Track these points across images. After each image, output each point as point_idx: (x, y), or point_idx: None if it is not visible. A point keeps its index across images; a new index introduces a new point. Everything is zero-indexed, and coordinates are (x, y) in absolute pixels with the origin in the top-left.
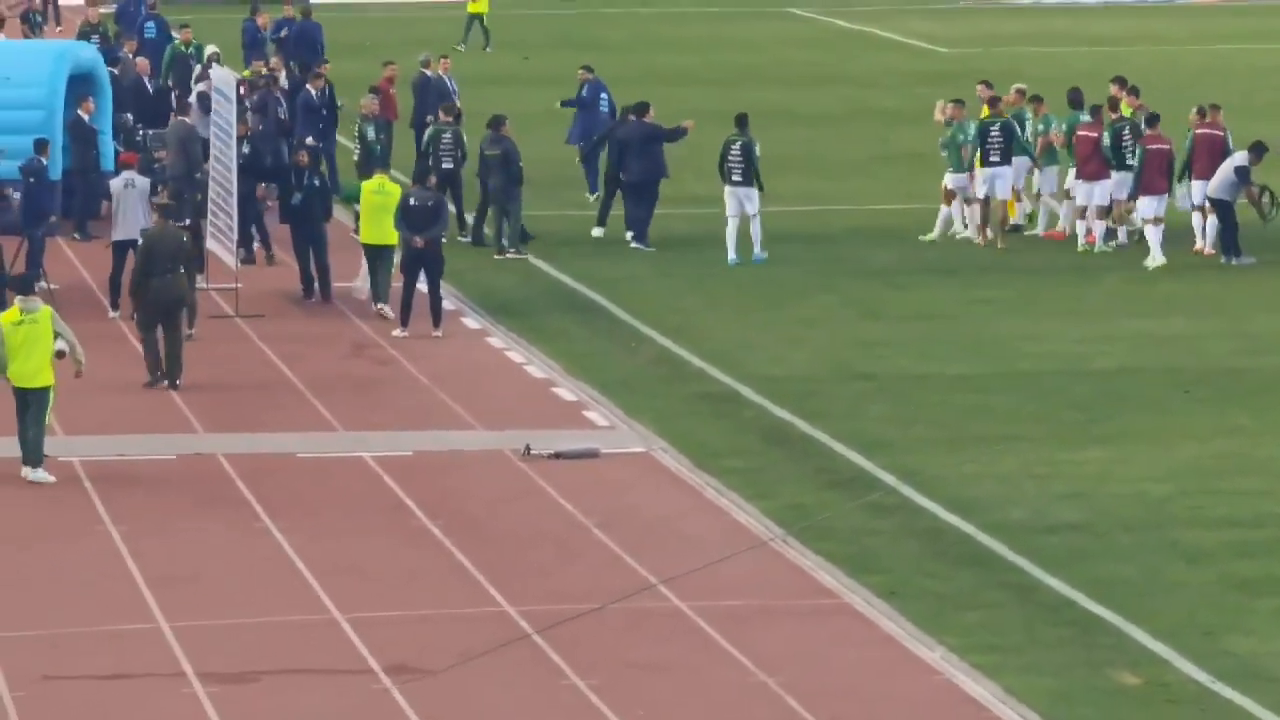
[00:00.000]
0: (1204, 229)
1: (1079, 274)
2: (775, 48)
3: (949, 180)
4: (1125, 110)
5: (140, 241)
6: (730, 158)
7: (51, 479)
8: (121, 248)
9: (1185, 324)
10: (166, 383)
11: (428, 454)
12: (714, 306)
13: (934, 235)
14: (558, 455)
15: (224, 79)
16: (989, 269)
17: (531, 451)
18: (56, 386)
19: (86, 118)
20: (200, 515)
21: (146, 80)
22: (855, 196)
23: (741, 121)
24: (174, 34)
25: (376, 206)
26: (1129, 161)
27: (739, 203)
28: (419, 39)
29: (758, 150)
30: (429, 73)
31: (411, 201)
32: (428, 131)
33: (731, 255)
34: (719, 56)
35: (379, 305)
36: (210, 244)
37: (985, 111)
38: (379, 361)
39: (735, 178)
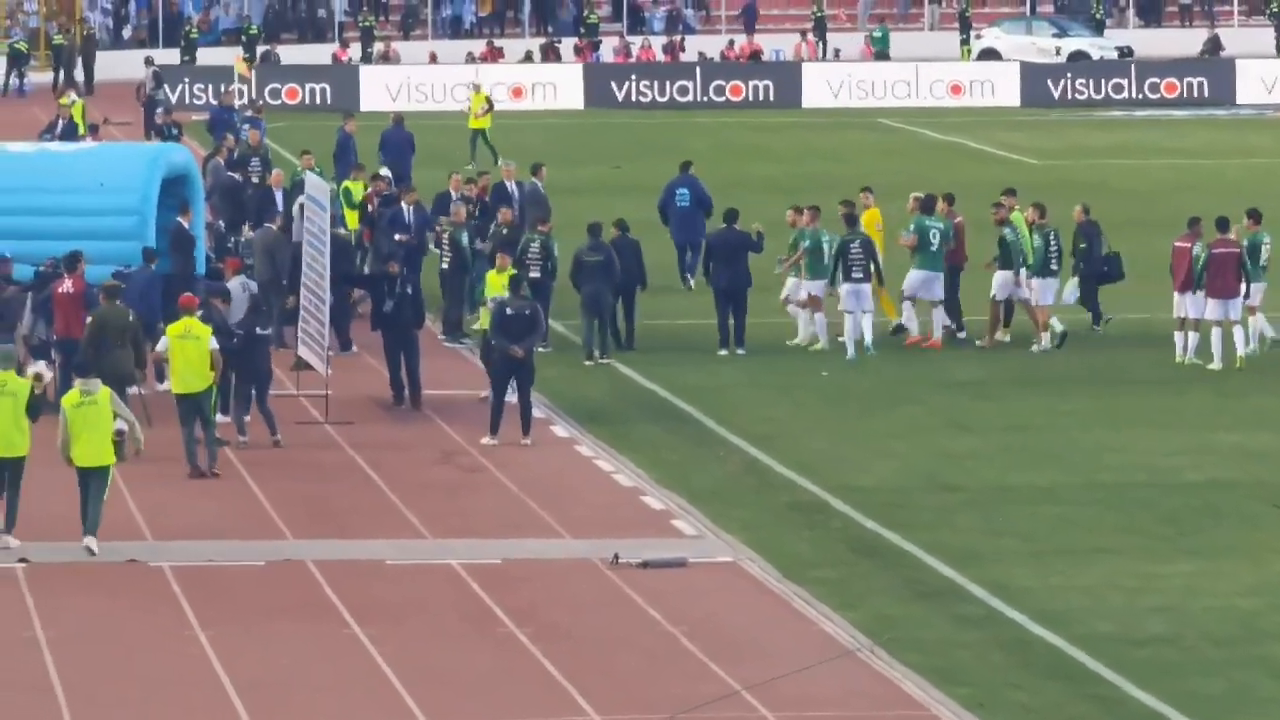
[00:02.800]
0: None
1: (1168, 386)
2: (864, 158)
3: (813, 288)
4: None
5: (89, 319)
6: (851, 255)
7: (95, 549)
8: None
9: (1276, 438)
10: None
11: (516, 562)
12: (802, 416)
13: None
14: (645, 564)
15: (317, 186)
16: (1076, 380)
17: (619, 560)
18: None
19: (186, 225)
20: (289, 621)
21: (278, 192)
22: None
23: (853, 220)
24: (295, 159)
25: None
26: (1053, 267)
27: (857, 300)
28: (505, 148)
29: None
30: (535, 181)
31: (508, 311)
32: (519, 241)
33: (850, 353)
34: (807, 167)
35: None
36: (301, 350)
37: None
38: (468, 469)
39: (856, 275)
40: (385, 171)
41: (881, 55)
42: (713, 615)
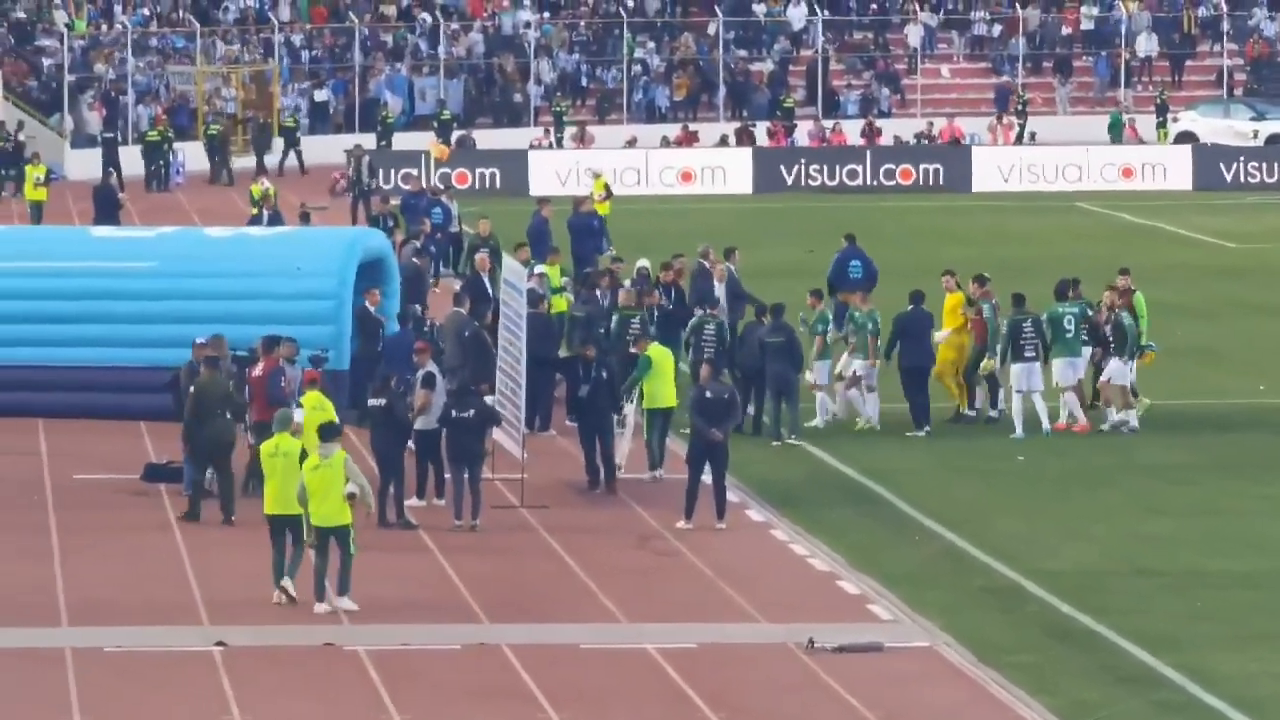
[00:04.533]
0: None
1: None
2: (1059, 241)
3: (857, 367)
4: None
5: (191, 389)
6: (1024, 334)
7: (355, 607)
8: (424, 437)
9: None
10: (223, 518)
11: (711, 646)
12: (996, 499)
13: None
14: (841, 649)
15: (514, 270)
16: (1274, 465)
17: (815, 644)
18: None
19: (373, 309)
20: (484, 706)
21: (485, 276)
22: (1140, 391)
23: (1020, 300)
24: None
25: (662, 373)
26: (1140, 341)
27: (1028, 378)
28: (697, 231)
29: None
30: (729, 265)
31: (707, 394)
32: (690, 322)
33: (1019, 431)
34: (1001, 250)
35: (655, 473)
36: (496, 434)
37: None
38: (663, 553)
39: (1029, 354)
40: (611, 254)
41: (1117, 139)
42: (909, 700)
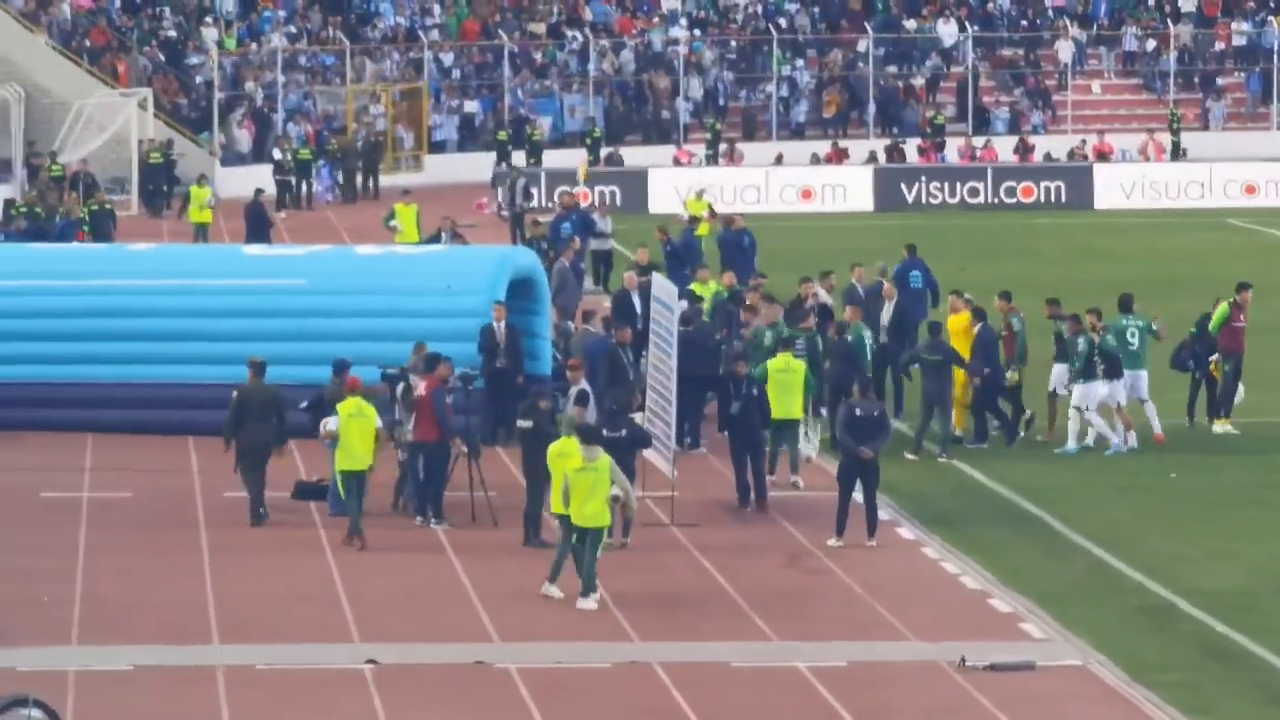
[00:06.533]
0: None
1: None
2: (1211, 259)
3: None
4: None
5: (234, 394)
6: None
7: (594, 606)
8: None
9: None
10: (251, 520)
11: (862, 664)
12: (1147, 517)
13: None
14: (993, 667)
15: (665, 288)
16: None
17: (966, 663)
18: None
19: (499, 325)
20: None
21: (634, 295)
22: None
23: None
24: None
25: (783, 384)
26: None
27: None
28: (851, 249)
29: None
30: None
31: (858, 412)
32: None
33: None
34: (1152, 268)
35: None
36: (647, 451)
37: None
38: (813, 571)
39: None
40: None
41: None
42: (1062, 719)
